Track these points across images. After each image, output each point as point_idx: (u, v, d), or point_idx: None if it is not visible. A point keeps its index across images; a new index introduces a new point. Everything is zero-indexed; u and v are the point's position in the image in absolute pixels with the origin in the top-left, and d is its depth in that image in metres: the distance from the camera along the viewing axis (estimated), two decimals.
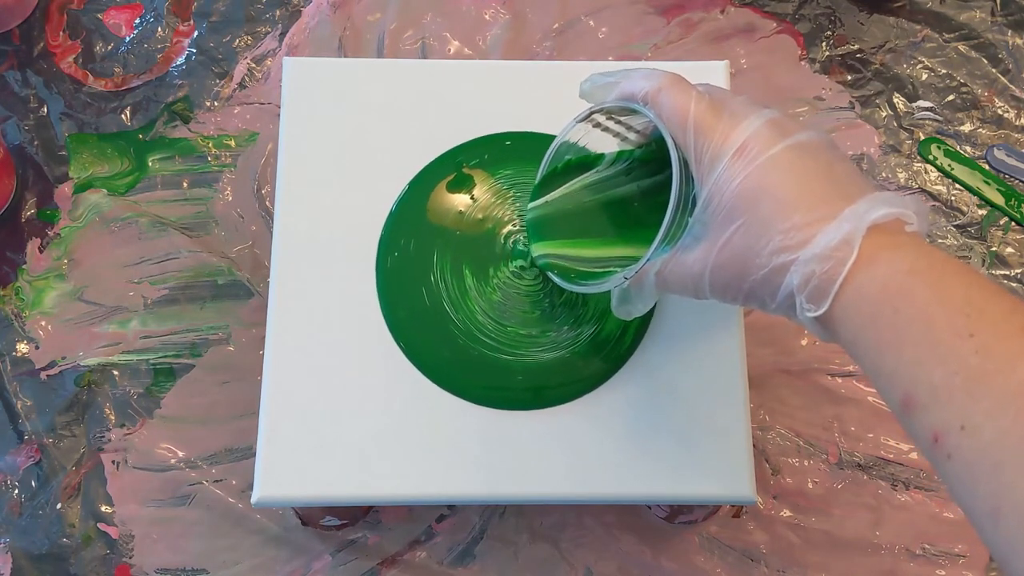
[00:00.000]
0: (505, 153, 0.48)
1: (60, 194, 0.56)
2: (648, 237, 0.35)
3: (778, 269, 0.31)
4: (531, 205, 0.43)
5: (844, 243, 0.30)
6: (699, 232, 0.34)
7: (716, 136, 0.33)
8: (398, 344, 0.44)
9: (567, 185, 0.43)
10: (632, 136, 0.40)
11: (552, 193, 0.43)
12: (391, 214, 0.46)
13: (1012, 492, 0.25)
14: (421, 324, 0.45)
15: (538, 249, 0.43)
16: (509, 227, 0.47)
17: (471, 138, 0.48)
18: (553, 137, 0.41)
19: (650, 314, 0.45)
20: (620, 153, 0.41)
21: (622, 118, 0.40)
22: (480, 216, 0.47)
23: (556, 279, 0.42)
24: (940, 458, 0.27)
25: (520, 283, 0.46)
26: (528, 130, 0.48)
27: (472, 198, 0.47)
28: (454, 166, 0.47)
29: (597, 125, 0.40)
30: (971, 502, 0.26)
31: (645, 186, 0.41)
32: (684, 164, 0.35)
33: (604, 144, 0.41)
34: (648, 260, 0.35)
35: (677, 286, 0.36)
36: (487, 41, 0.59)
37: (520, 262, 0.46)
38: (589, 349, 0.45)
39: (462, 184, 0.47)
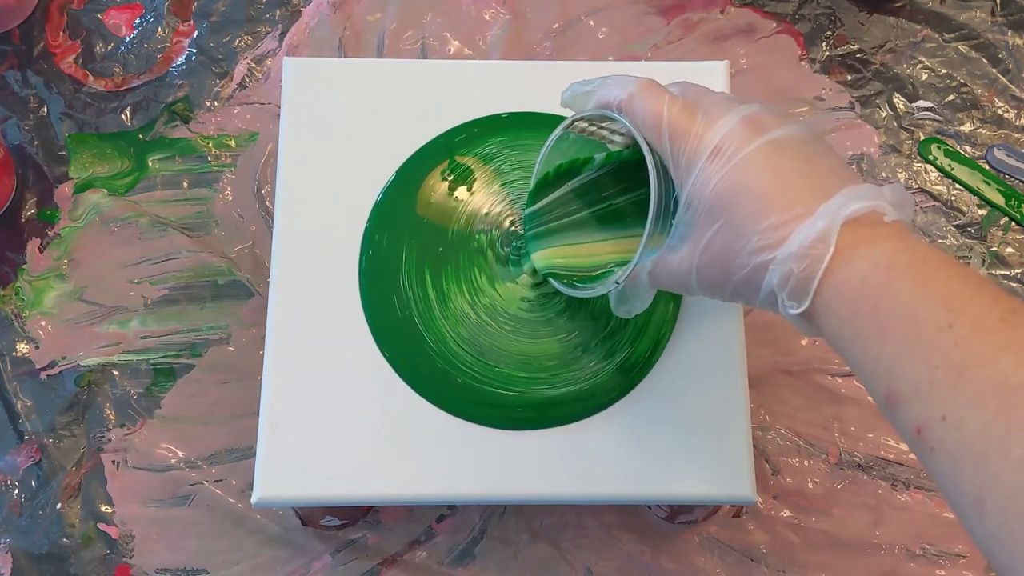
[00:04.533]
0: (499, 123, 0.47)
1: (60, 194, 0.56)
2: (638, 238, 0.35)
3: (758, 268, 0.31)
4: (526, 212, 0.43)
5: (819, 240, 0.30)
6: (683, 233, 0.34)
7: (691, 138, 0.33)
8: (382, 354, 0.43)
9: (559, 191, 0.43)
10: (618, 139, 0.41)
11: (545, 199, 0.43)
12: (375, 206, 0.45)
13: (996, 484, 0.25)
14: (399, 336, 0.43)
15: (538, 258, 0.43)
16: (484, 219, 0.45)
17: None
18: (553, 117, 0.41)
19: (673, 324, 0.44)
20: (608, 155, 0.41)
21: (603, 124, 0.40)
22: (454, 202, 0.45)
23: (557, 284, 0.42)
24: (924, 451, 0.27)
25: (534, 338, 0.43)
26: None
27: (453, 182, 0.46)
28: (445, 148, 0.46)
29: (582, 132, 0.40)
30: (955, 494, 0.26)
31: (633, 187, 0.41)
32: (663, 169, 0.35)
33: (592, 147, 0.42)
34: (636, 264, 0.36)
35: (669, 284, 0.36)
36: (487, 41, 0.59)
37: (524, 277, 0.44)
38: (615, 375, 0.43)
39: (447, 168, 0.46)
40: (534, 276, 0.44)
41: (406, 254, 0.45)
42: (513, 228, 0.45)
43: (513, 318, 0.44)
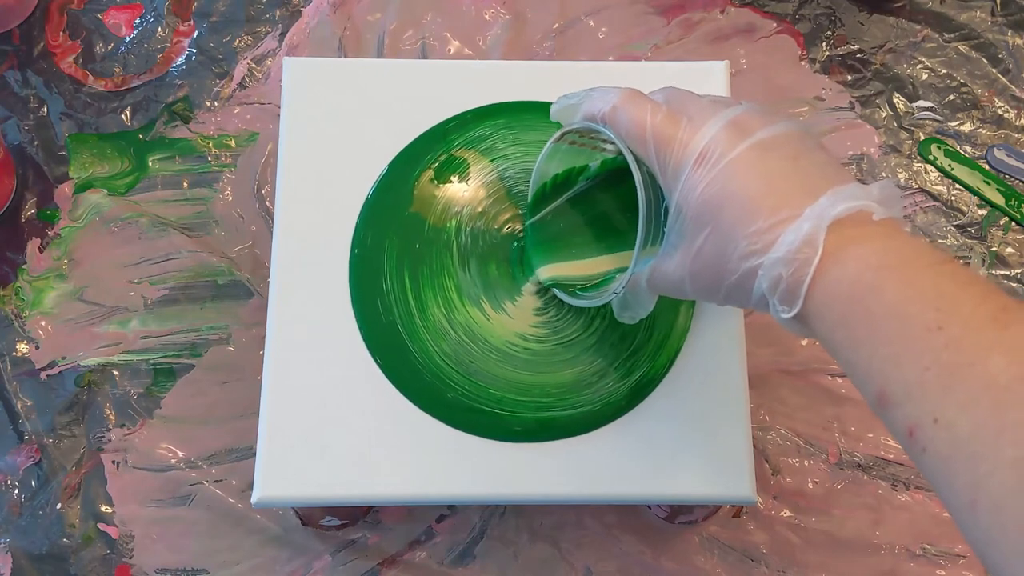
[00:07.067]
0: (495, 109, 0.46)
1: (60, 194, 0.56)
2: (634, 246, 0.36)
3: (748, 273, 0.31)
4: (527, 224, 0.43)
5: (806, 244, 0.30)
6: (675, 240, 0.34)
7: (676, 146, 0.33)
8: (374, 359, 0.43)
9: (557, 202, 0.43)
10: (610, 147, 0.41)
11: (544, 212, 0.43)
12: (366, 201, 0.44)
13: (988, 484, 0.25)
14: (387, 343, 0.42)
15: (543, 272, 0.43)
16: (459, 201, 0.44)
17: None
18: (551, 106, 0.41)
19: (686, 334, 0.44)
20: (603, 163, 0.41)
21: (592, 135, 0.40)
22: (436, 191, 0.43)
23: (560, 294, 0.42)
24: (916, 452, 0.27)
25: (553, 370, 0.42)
26: None
27: (439, 169, 0.45)
28: (437, 137, 0.45)
29: (573, 143, 0.40)
30: (948, 495, 0.26)
31: (629, 193, 0.41)
32: (651, 178, 0.35)
33: (587, 155, 0.41)
34: (632, 273, 0.36)
35: (666, 290, 0.36)
36: (487, 41, 0.59)
37: (493, 312, 0.43)
38: (629, 393, 0.42)
39: (435, 158, 0.45)
40: (539, 293, 0.44)
41: (388, 253, 0.44)
42: (489, 204, 0.44)
43: (498, 351, 0.43)
